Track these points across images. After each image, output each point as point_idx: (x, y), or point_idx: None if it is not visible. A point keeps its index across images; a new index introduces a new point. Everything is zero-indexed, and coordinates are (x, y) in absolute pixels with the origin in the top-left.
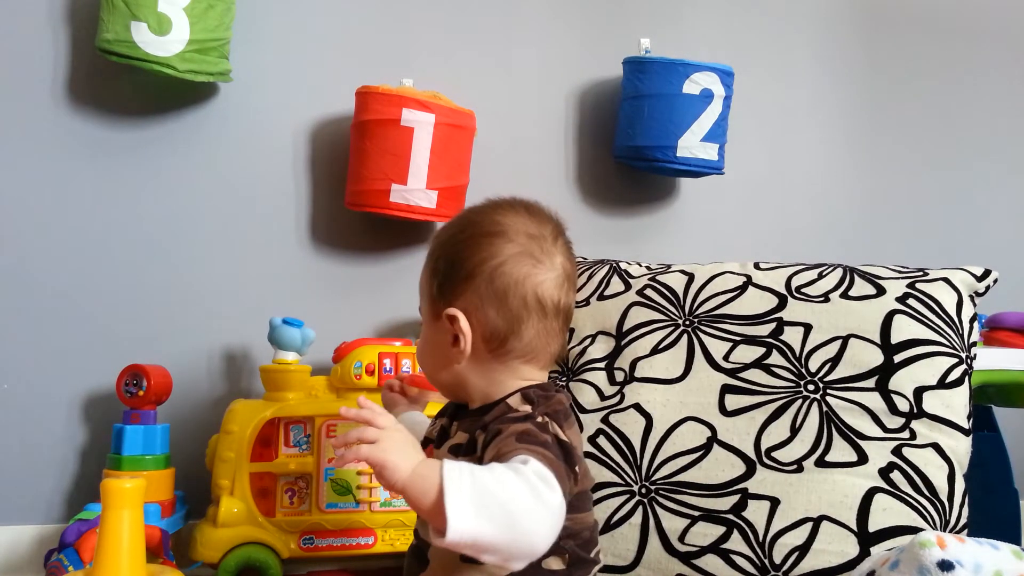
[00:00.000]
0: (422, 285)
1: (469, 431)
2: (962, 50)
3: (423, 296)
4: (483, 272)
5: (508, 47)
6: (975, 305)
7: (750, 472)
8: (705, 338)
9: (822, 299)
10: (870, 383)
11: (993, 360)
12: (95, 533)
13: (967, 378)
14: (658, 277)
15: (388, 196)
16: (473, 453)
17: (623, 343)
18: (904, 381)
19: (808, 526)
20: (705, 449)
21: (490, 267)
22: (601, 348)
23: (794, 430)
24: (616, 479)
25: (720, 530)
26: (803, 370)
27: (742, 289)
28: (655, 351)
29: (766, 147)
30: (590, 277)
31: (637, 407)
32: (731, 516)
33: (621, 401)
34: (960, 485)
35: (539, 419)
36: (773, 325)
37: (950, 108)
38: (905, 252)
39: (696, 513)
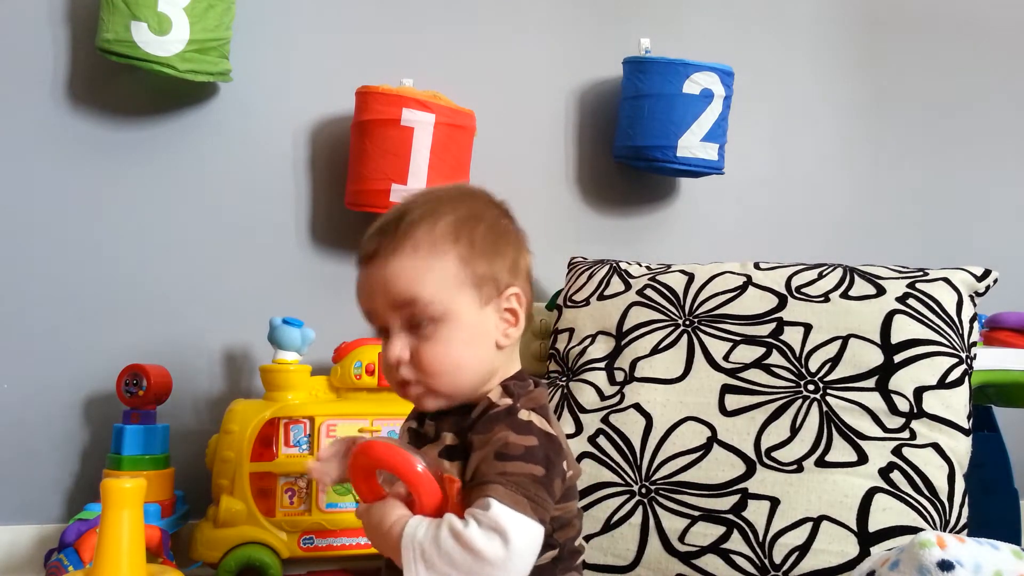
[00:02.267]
0: (445, 279)
1: (457, 432)
2: (962, 50)
3: (444, 289)
4: (519, 250)
5: (508, 47)
6: (975, 305)
7: (750, 472)
8: (705, 338)
9: (822, 299)
10: (870, 383)
11: (993, 360)
12: (95, 533)
13: (967, 378)
14: (658, 277)
15: (388, 196)
16: (462, 456)
17: (623, 343)
18: (904, 381)
19: (808, 526)
20: (705, 449)
21: (523, 243)
22: (601, 348)
23: (794, 430)
24: (616, 479)
25: (720, 530)
26: (803, 370)
27: (742, 289)
28: (655, 351)
29: (766, 147)
30: (590, 277)
31: (637, 407)
32: (731, 516)
33: (621, 401)
34: (960, 485)
35: (520, 415)
36: (773, 325)
37: (949, 108)
38: (905, 252)
39: (696, 513)
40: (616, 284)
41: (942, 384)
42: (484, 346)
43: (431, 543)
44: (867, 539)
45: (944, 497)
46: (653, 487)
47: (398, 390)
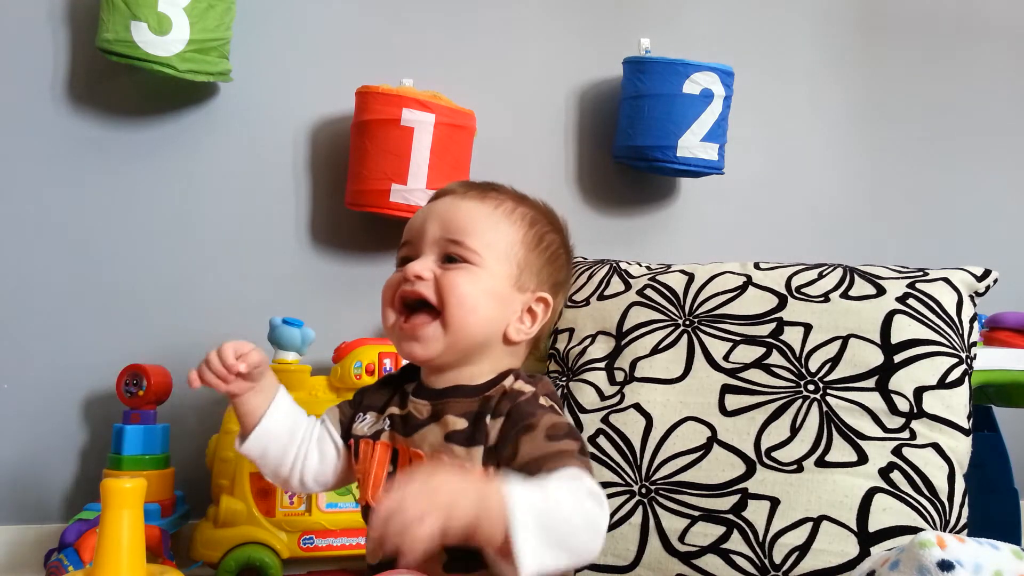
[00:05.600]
0: (500, 241)
1: (471, 416)
2: (961, 49)
3: (493, 249)
4: (565, 281)
5: (508, 47)
6: (975, 305)
7: (750, 472)
8: (705, 338)
9: (822, 299)
10: (870, 383)
11: (993, 360)
12: (95, 533)
13: (967, 378)
14: (658, 277)
15: (388, 196)
16: (483, 442)
17: (623, 343)
18: (904, 381)
19: (808, 526)
20: (705, 449)
21: (569, 282)
22: (601, 348)
23: (794, 430)
24: (616, 479)
25: (720, 530)
26: (803, 370)
27: (742, 289)
28: (655, 351)
29: (766, 147)
30: (590, 277)
31: (637, 407)
32: (731, 516)
33: (621, 401)
34: (960, 485)
35: (542, 400)
36: (773, 325)
37: (949, 107)
38: (905, 252)
39: (696, 513)
40: (616, 284)
41: (942, 384)
42: (499, 314)
43: (544, 500)
44: (867, 539)
45: (944, 497)
46: (653, 487)
47: (395, 319)
